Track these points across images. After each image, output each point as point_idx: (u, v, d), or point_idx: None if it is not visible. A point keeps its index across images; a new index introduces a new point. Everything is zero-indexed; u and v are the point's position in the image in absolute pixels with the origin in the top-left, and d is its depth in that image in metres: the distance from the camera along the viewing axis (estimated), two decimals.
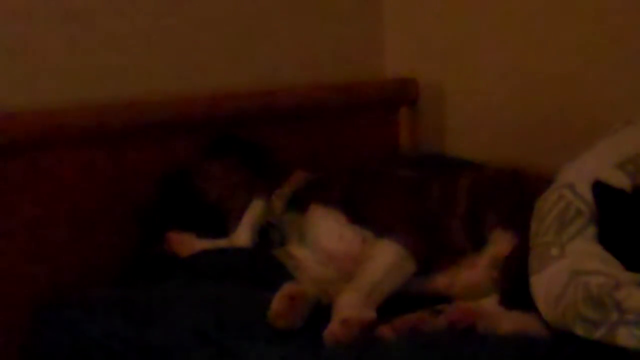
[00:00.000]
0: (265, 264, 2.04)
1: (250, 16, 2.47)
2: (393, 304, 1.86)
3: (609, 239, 1.74)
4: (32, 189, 2.01)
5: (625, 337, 1.59)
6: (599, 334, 1.62)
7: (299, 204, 2.09)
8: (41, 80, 2.08)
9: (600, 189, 1.78)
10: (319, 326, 1.78)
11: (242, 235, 2.12)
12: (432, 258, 1.97)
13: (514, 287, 1.82)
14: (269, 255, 2.07)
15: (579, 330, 1.65)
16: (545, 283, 1.74)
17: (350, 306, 1.80)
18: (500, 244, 1.95)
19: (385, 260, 1.92)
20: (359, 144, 2.60)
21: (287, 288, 1.85)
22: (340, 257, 2.01)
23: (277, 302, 1.82)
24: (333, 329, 1.77)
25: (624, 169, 1.81)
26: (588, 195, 1.79)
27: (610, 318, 1.61)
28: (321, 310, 1.83)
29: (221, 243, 2.11)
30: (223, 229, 2.13)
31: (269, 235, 2.11)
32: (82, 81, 2.14)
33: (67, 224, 2.06)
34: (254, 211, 2.13)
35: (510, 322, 1.78)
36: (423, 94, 2.72)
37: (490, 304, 1.85)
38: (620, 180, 1.80)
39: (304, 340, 1.76)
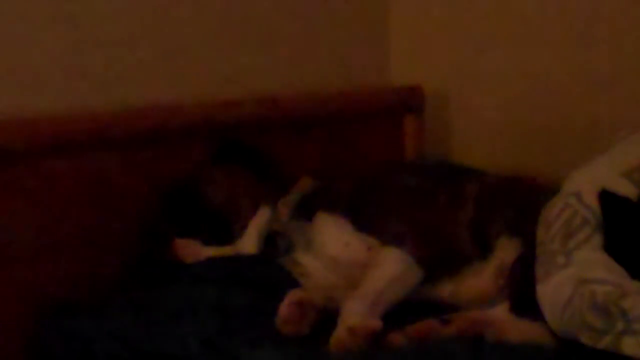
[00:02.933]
0: (271, 271, 2.04)
1: (254, 23, 2.47)
2: (398, 312, 1.87)
3: (615, 248, 1.74)
4: (37, 195, 2.01)
5: (631, 346, 1.59)
6: (604, 342, 1.62)
7: (305, 211, 2.09)
8: (44, 86, 2.08)
9: (606, 197, 1.78)
10: (325, 333, 1.78)
11: (248, 243, 2.11)
12: (437, 266, 1.96)
13: (525, 293, 1.82)
14: (275, 262, 2.07)
15: (585, 339, 1.65)
16: (551, 291, 1.74)
17: (356, 313, 1.80)
18: (506, 251, 1.95)
19: (391, 267, 1.92)
20: (365, 151, 2.59)
21: (294, 295, 1.85)
22: (346, 264, 2.00)
23: (284, 309, 1.82)
24: (339, 336, 1.77)
25: (630, 178, 1.81)
26: (594, 204, 1.79)
27: (616, 327, 1.61)
28: (328, 317, 1.83)
29: (227, 250, 2.11)
30: (229, 236, 2.13)
31: (275, 242, 2.11)
32: (86, 87, 2.14)
33: (71, 229, 2.06)
34: (260, 218, 2.12)
35: (517, 330, 1.78)
36: (428, 102, 2.71)
37: (497, 312, 1.86)
38: (626, 189, 1.80)
39: (310, 347, 1.76)
